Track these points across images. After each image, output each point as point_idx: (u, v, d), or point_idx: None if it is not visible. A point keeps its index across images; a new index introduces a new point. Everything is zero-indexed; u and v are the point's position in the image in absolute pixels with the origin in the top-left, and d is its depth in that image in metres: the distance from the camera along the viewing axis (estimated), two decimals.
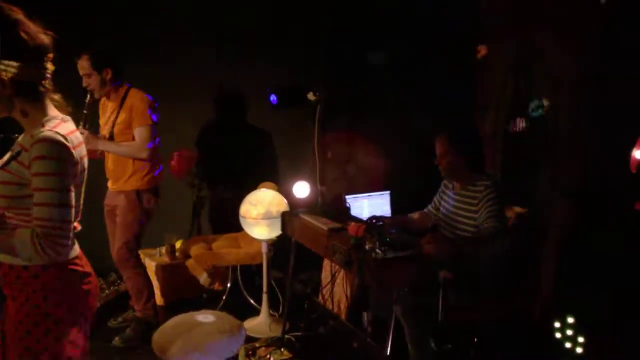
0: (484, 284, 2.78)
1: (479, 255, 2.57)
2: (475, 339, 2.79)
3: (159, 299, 3.98)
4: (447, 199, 2.98)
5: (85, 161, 1.70)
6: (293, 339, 3.41)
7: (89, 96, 3.21)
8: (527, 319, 3.11)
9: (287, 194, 3.86)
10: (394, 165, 4.16)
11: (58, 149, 1.54)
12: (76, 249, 1.76)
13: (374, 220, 2.97)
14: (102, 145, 3.25)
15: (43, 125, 1.59)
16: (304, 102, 3.84)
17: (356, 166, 4.25)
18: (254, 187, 3.87)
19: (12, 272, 1.65)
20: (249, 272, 4.13)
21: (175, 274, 4.06)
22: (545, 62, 3.39)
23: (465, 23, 4.09)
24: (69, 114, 1.71)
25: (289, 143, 4.54)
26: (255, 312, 3.77)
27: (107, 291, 4.04)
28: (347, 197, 3.69)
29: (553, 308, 3.10)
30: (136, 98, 3.26)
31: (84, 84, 3.20)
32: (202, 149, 4.45)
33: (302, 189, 3.90)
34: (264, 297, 3.68)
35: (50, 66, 1.62)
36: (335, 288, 3.61)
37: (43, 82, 1.62)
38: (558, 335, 2.84)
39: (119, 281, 4.11)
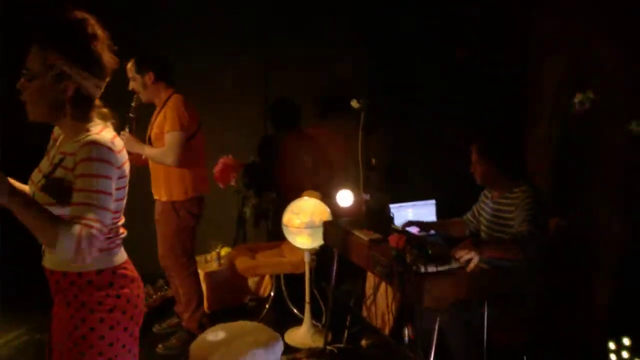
0: (529, 301, 2.66)
1: (512, 258, 2.47)
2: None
3: (206, 306, 4.01)
4: (486, 208, 2.89)
5: (127, 167, 1.71)
6: (335, 350, 3.36)
7: (135, 100, 3.27)
8: (578, 339, 2.94)
9: (330, 202, 3.82)
10: (440, 173, 4.05)
11: (104, 152, 1.55)
12: (124, 254, 1.79)
13: (407, 227, 2.95)
14: (138, 148, 3.25)
15: (88, 130, 1.62)
16: (348, 109, 3.82)
17: (401, 174, 4.16)
18: (298, 195, 3.85)
19: (65, 279, 1.67)
20: (294, 281, 4.11)
21: (221, 281, 4.10)
22: (600, 72, 3.23)
23: (516, 29, 3.94)
24: (114, 124, 1.74)
25: (334, 151, 4.50)
26: (298, 322, 3.74)
27: (154, 296, 4.11)
28: (391, 206, 3.62)
29: (607, 328, 2.92)
30: (173, 103, 3.25)
31: (130, 87, 3.26)
32: (247, 156, 4.47)
33: (345, 198, 3.85)
34: (306, 307, 3.65)
35: (103, 87, 1.68)
36: (379, 299, 3.53)
37: (96, 98, 1.67)
38: (613, 358, 2.67)
39: (165, 287, 4.18)
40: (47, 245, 1.58)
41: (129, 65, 3.24)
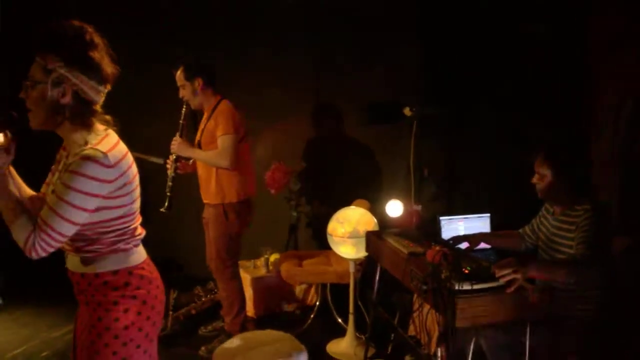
0: (586, 326, 2.43)
1: (561, 281, 2.27)
2: None
3: (250, 311, 4.03)
4: (547, 224, 2.69)
5: (131, 172, 1.70)
6: None
7: (185, 107, 3.34)
8: None
9: (380, 212, 3.72)
10: (496, 185, 3.84)
11: (92, 168, 1.56)
12: (142, 254, 1.80)
13: (452, 242, 2.79)
14: (189, 152, 3.31)
15: (86, 143, 1.62)
16: (400, 117, 3.72)
17: (455, 185, 3.99)
18: (348, 203, 3.78)
19: (83, 280, 1.72)
20: (342, 291, 4.04)
21: (268, 287, 4.10)
22: None
23: (574, 35, 3.69)
24: (117, 131, 1.74)
25: (385, 160, 4.40)
26: (343, 333, 3.65)
27: (203, 298, 4.16)
28: (441, 218, 3.47)
29: None
30: (223, 107, 3.29)
31: (180, 95, 3.33)
32: (299, 163, 4.45)
33: (395, 208, 3.74)
34: (350, 318, 3.56)
35: (104, 94, 1.69)
36: (426, 315, 3.38)
37: (97, 104, 1.68)
38: None
39: (215, 290, 4.22)
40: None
41: (178, 73, 3.30)
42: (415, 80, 4.02)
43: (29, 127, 1.65)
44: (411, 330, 3.55)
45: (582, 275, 2.25)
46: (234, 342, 2.34)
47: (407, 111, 3.62)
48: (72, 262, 1.73)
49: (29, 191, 1.79)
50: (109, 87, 1.70)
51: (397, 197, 3.73)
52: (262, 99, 4.33)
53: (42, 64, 1.59)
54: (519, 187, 2.86)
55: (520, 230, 2.91)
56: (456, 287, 2.09)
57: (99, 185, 1.57)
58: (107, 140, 1.64)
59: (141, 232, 1.80)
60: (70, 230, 1.58)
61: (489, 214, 3.50)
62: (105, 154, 1.58)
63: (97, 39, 1.65)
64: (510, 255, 2.29)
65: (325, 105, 4.53)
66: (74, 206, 1.55)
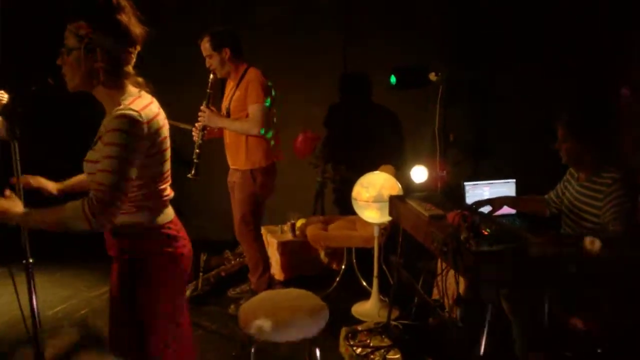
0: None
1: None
2: (599, 351, 2.46)
3: (279, 274, 4.14)
4: (571, 189, 2.66)
5: (166, 129, 1.79)
6: (400, 326, 3.31)
7: (211, 76, 3.38)
8: None
9: (405, 178, 3.74)
10: (521, 150, 3.79)
11: (129, 124, 1.63)
12: (169, 214, 1.88)
13: (474, 206, 2.80)
14: (219, 122, 3.38)
15: (119, 104, 1.69)
16: (425, 82, 3.69)
17: (481, 150, 3.96)
18: (374, 169, 3.80)
19: (113, 238, 1.81)
20: (368, 255, 4.10)
21: (295, 252, 4.19)
22: None
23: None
24: (151, 92, 1.81)
25: (411, 125, 4.38)
26: (368, 296, 3.73)
27: (232, 262, 4.28)
28: (465, 183, 3.47)
29: None
30: (252, 76, 3.33)
31: (207, 65, 3.37)
32: (326, 129, 4.48)
33: (420, 174, 3.76)
34: (374, 281, 3.63)
35: (135, 55, 1.76)
36: (450, 278, 3.42)
37: (128, 65, 1.75)
38: None
39: (244, 254, 4.34)
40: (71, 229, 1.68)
41: (204, 43, 3.33)
42: (442, 45, 3.97)
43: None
44: (435, 294, 3.61)
45: (622, 249, 2.22)
46: (257, 299, 2.43)
47: (432, 76, 3.59)
48: None
49: (53, 186, 1.94)
50: (138, 47, 1.76)
51: (422, 163, 3.74)
52: (288, 64, 4.35)
53: (74, 31, 1.66)
54: (545, 152, 2.83)
55: (546, 196, 2.89)
56: (474, 249, 2.12)
57: (137, 141, 1.65)
58: (139, 101, 1.72)
59: (169, 193, 1.87)
60: (125, 186, 1.63)
61: (514, 180, 3.48)
62: (138, 112, 1.66)
63: (124, 2, 1.71)
64: (537, 221, 2.27)
65: (352, 70, 4.52)
66: (121, 160, 1.61)
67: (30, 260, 1.82)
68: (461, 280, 3.17)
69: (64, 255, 4.52)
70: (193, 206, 4.16)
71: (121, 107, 1.67)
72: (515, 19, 3.79)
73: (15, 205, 1.70)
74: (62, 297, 3.93)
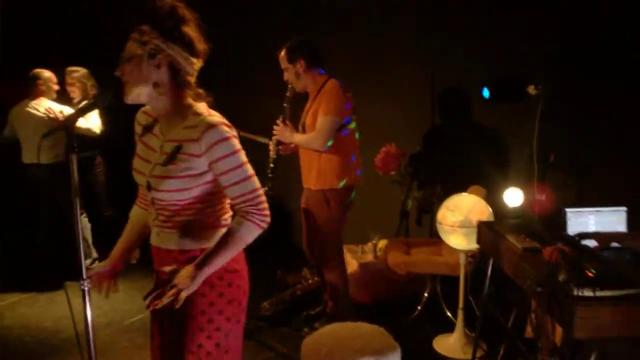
0: None
1: None
2: None
3: (357, 297, 3.93)
4: None
5: None
6: None
7: (289, 90, 3.26)
8: None
9: (497, 201, 3.41)
10: (635, 174, 3.33)
11: (228, 130, 1.62)
12: None
13: (577, 238, 2.44)
14: (290, 138, 3.24)
15: (197, 114, 1.64)
16: (523, 96, 3.35)
17: (585, 173, 3.53)
18: (463, 190, 3.51)
19: (182, 255, 1.70)
20: (454, 283, 3.81)
21: (375, 274, 3.96)
22: None
23: None
24: (210, 103, 1.73)
25: (505, 143, 4.02)
26: (451, 328, 3.43)
27: (310, 281, 4.14)
28: (567, 210, 3.09)
29: None
30: (328, 87, 3.16)
31: (284, 78, 3.26)
32: (411, 145, 4.23)
33: (514, 197, 3.40)
34: (459, 313, 3.32)
35: (197, 68, 1.69)
36: (545, 316, 3.05)
37: (190, 76, 1.67)
38: None
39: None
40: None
41: (281, 55, 3.22)
42: (542, 55, 3.60)
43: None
44: (528, 332, 3.24)
45: None
46: (323, 332, 2.25)
47: (531, 89, 3.23)
48: (172, 239, 1.72)
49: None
50: (201, 62, 1.69)
51: (517, 185, 3.38)
52: (374, 79, 4.17)
53: (138, 38, 1.61)
54: None
55: None
56: (575, 293, 1.81)
57: (238, 142, 1.65)
58: (210, 111, 1.69)
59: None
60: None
61: (625, 208, 3.04)
62: (222, 119, 1.66)
63: (189, 15, 1.65)
64: None
65: (441, 84, 4.24)
66: (247, 163, 1.65)
67: (86, 280, 1.75)
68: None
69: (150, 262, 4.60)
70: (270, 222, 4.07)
71: (203, 115, 1.63)
72: (631, 26, 3.36)
73: (190, 273, 1.59)
74: (142, 306, 3.96)
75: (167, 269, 1.62)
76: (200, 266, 1.60)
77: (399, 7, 4.19)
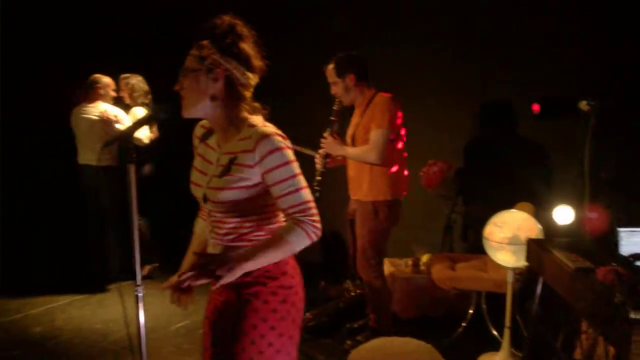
0: None
1: None
2: None
3: (400, 312, 3.90)
4: None
5: None
6: None
7: (336, 103, 3.29)
8: None
9: (546, 218, 3.34)
10: None
11: (281, 141, 1.63)
12: None
13: (632, 259, 2.36)
14: (340, 150, 3.26)
15: (251, 125, 1.67)
16: (574, 112, 3.28)
17: (638, 191, 3.41)
18: (510, 206, 3.45)
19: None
20: (499, 300, 3.73)
21: (419, 289, 3.92)
22: None
23: None
24: (266, 116, 1.75)
25: (555, 159, 3.93)
26: (497, 347, 3.35)
27: (352, 293, 4.13)
28: (620, 229, 2.99)
29: None
30: (378, 101, 3.19)
31: (332, 92, 3.28)
32: (458, 160, 4.19)
33: (564, 215, 3.32)
34: (506, 332, 3.24)
35: (253, 83, 1.72)
36: (596, 339, 2.96)
37: (247, 91, 1.70)
38: None
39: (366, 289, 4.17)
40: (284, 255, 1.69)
41: (329, 69, 3.26)
42: (595, 70, 3.52)
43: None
44: (577, 354, 3.15)
45: None
46: (370, 346, 2.24)
47: (583, 105, 3.15)
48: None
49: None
50: (257, 77, 1.73)
51: (568, 203, 3.30)
52: (419, 93, 4.15)
53: (197, 53, 1.66)
54: None
55: None
56: (632, 316, 1.75)
57: (292, 153, 1.65)
58: (265, 123, 1.70)
59: None
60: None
61: None
62: (276, 130, 1.66)
63: (247, 32, 1.70)
64: None
65: (490, 98, 4.19)
66: (300, 174, 1.65)
67: (140, 286, 1.80)
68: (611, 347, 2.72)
69: None
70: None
71: (257, 126, 1.65)
72: None
73: (229, 265, 1.57)
74: (187, 312, 4.01)
75: (209, 252, 1.63)
76: (241, 260, 1.58)
77: (447, 15, 4.16)
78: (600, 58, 3.55)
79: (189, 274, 1.57)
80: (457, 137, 4.32)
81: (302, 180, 1.64)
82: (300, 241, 1.62)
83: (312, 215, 1.63)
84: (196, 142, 1.86)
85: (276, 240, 1.63)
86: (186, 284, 1.57)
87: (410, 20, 4.31)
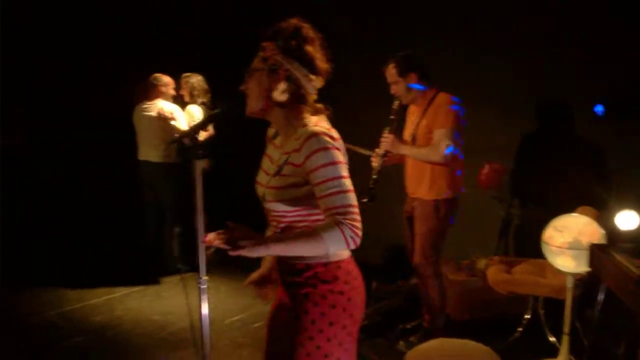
0: None
1: None
2: None
3: (454, 314, 3.86)
4: None
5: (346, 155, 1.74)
6: None
7: (396, 102, 3.29)
8: None
9: (609, 223, 3.23)
10: None
11: (328, 140, 1.61)
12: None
13: None
14: (402, 149, 3.27)
15: (304, 125, 1.68)
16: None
17: None
18: (570, 210, 3.35)
19: (294, 270, 1.74)
20: (558, 306, 3.63)
21: (474, 292, 3.88)
22: None
23: None
24: (329, 117, 1.77)
25: (620, 163, 3.78)
26: (554, 354, 3.27)
27: (405, 292, 4.12)
28: None
29: None
30: (441, 100, 3.19)
31: (392, 91, 3.29)
32: (515, 161, 4.10)
33: (629, 220, 3.20)
34: (564, 339, 3.15)
35: (317, 85, 1.74)
36: None
37: (308, 92, 1.73)
38: None
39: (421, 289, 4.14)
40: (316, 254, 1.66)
41: (389, 69, 3.26)
42: None
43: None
44: None
45: None
46: (428, 347, 2.24)
47: None
48: None
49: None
50: (322, 80, 1.75)
51: (632, 207, 3.19)
52: (479, 92, 4.08)
53: (262, 55, 1.71)
54: None
55: None
56: None
57: (339, 154, 1.63)
58: (322, 123, 1.70)
59: None
60: (355, 199, 1.61)
61: None
62: (328, 129, 1.66)
63: (313, 35, 1.72)
64: None
65: (551, 97, 4.07)
66: (344, 177, 1.60)
67: (205, 278, 1.87)
68: None
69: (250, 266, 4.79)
70: (365, 233, 4.12)
71: (307, 125, 1.66)
72: None
73: (257, 242, 1.57)
74: (242, 306, 4.11)
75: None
76: (269, 240, 1.59)
77: (510, 14, 4.09)
78: None
79: (214, 234, 1.60)
80: (513, 136, 4.21)
81: (347, 183, 1.59)
82: (335, 242, 1.54)
83: (354, 220, 1.55)
84: (267, 142, 1.91)
85: (310, 233, 1.58)
86: (211, 243, 1.59)
87: (464, 22, 4.26)
